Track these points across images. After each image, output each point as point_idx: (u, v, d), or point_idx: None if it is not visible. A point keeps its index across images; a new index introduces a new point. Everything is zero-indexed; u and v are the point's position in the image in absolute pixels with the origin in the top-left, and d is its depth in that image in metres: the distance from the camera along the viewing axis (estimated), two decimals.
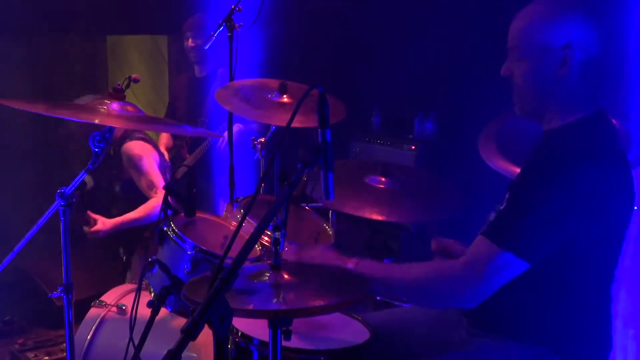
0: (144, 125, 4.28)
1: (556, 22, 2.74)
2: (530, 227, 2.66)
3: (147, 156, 4.98)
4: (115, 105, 3.63)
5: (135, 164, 4.97)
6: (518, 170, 3.00)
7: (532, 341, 2.81)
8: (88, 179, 5.34)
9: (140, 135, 5.09)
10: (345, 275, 2.86)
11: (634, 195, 2.83)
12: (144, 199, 4.98)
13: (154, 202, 4.86)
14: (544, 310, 2.82)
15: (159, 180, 4.95)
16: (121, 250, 5.31)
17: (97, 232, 4.72)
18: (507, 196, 2.85)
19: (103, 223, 4.75)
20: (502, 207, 2.81)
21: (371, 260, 2.96)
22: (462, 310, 3.07)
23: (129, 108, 3.69)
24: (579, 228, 2.67)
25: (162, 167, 5.10)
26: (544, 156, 2.82)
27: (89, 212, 4.67)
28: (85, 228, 4.75)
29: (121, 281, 5.19)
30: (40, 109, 3.43)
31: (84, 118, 3.46)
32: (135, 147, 5.01)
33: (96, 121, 3.39)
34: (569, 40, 2.72)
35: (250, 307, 2.50)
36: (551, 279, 2.78)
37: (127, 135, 5.11)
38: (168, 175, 5.18)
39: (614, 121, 4.04)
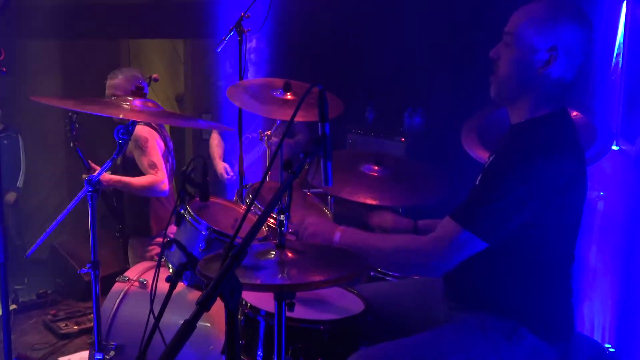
0: (162, 119, 4.27)
1: (550, 25, 2.72)
2: (492, 211, 2.67)
3: (152, 140, 4.97)
4: (137, 102, 3.62)
5: (141, 144, 4.95)
6: None
7: (504, 314, 2.81)
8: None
9: (149, 122, 5.07)
10: (343, 253, 2.86)
11: (586, 185, 2.83)
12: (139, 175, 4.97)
13: (151, 179, 4.85)
14: (512, 287, 2.83)
15: (160, 162, 4.92)
16: (118, 227, 5.30)
17: (90, 178, 4.69)
18: (476, 182, 2.86)
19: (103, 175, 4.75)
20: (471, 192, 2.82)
21: (355, 229, 2.95)
22: (443, 286, 3.08)
23: (150, 104, 3.68)
24: (537, 214, 2.67)
25: (164, 153, 5.08)
26: (509, 148, 2.80)
27: (89, 161, 4.64)
28: (84, 175, 4.73)
29: (125, 261, 5.21)
30: (69, 105, 3.42)
31: (109, 113, 3.45)
32: (143, 130, 5.01)
33: (120, 116, 3.38)
34: (556, 44, 2.71)
35: (258, 281, 2.49)
36: (517, 259, 2.79)
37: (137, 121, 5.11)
38: (170, 161, 5.17)
39: (579, 115, 4.05)
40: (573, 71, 2.77)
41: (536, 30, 2.74)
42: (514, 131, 2.89)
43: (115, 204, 5.24)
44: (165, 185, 4.87)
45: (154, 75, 5.17)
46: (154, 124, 5.07)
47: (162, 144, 5.08)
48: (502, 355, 2.76)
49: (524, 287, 2.82)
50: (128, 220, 5.27)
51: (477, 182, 2.85)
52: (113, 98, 4.57)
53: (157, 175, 4.87)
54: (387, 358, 2.75)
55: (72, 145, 3.94)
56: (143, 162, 4.94)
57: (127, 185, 4.85)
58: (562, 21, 2.73)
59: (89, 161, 4.64)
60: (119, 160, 5.11)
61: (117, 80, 5.13)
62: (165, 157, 5.06)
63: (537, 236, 2.76)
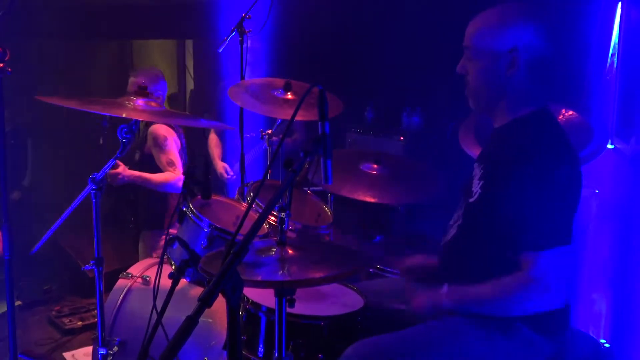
0: (165, 118, 4.28)
1: (504, 29, 2.75)
2: (546, 221, 2.66)
3: (170, 138, 5.04)
4: (140, 101, 3.62)
5: (160, 143, 5.01)
6: None
7: None
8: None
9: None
10: (341, 250, 2.86)
11: (580, 178, 2.82)
12: (155, 171, 5.00)
13: (169, 175, 4.90)
14: None
15: (177, 160, 4.98)
16: (131, 220, 5.32)
17: (117, 175, 4.74)
18: (475, 180, 2.87)
19: (124, 169, 4.79)
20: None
21: (455, 286, 2.86)
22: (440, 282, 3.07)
23: (152, 104, 3.68)
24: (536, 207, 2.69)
25: (180, 150, 5.12)
26: (507, 154, 2.79)
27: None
28: (109, 171, 4.78)
29: (135, 252, 5.24)
30: (74, 104, 3.42)
31: (112, 112, 3.45)
32: (162, 129, 5.07)
33: (123, 115, 3.38)
34: (515, 45, 2.73)
35: (259, 278, 2.50)
36: (510, 255, 2.75)
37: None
38: (184, 158, 5.20)
39: (575, 114, 4.06)
40: (540, 65, 2.78)
41: (491, 37, 2.77)
42: (500, 134, 2.91)
43: (132, 197, 5.27)
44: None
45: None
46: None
47: (178, 141, 5.13)
48: (497, 348, 2.77)
49: None
50: (143, 213, 5.32)
51: (477, 181, 2.85)
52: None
53: (174, 172, 4.92)
54: (383, 348, 2.75)
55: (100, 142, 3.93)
56: (162, 160, 4.98)
57: (146, 181, 4.90)
58: (513, 21, 2.76)
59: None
60: (136, 157, 5.15)
61: (139, 77, 5.18)
62: (180, 154, 5.10)
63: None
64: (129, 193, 5.27)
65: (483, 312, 2.78)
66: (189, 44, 8.28)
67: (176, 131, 5.16)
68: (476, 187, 2.90)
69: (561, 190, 2.68)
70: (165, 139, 5.03)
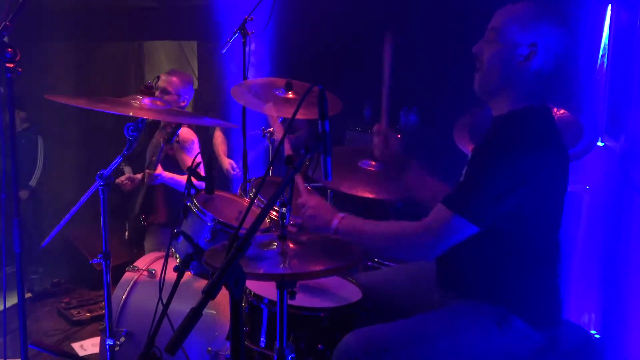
0: (170, 117, 4.27)
1: (533, 22, 2.77)
2: (482, 197, 2.69)
3: (196, 141, 5.15)
4: (146, 100, 3.62)
5: (187, 145, 5.10)
6: None
7: (495, 302, 2.82)
8: (128, 169, 5.44)
9: (189, 124, 5.21)
10: (340, 244, 2.86)
11: (567, 176, 2.86)
12: (173, 170, 5.03)
13: None
14: (502, 276, 2.84)
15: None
16: (141, 217, 5.32)
17: (156, 175, 4.85)
18: (464, 171, 2.88)
19: (162, 171, 4.89)
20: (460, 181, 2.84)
21: (353, 216, 2.96)
22: (436, 276, 3.08)
23: (158, 102, 3.68)
24: (523, 203, 2.71)
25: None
26: (495, 138, 2.83)
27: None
28: (149, 170, 4.83)
29: (139, 248, 5.25)
30: (82, 103, 3.42)
31: (119, 111, 3.44)
32: (189, 133, 5.17)
33: (130, 114, 3.38)
34: (536, 41, 2.75)
35: (261, 271, 2.50)
36: (506, 249, 2.81)
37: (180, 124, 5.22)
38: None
39: (567, 113, 4.05)
40: (550, 67, 2.80)
41: (519, 26, 2.78)
42: (497, 123, 2.91)
43: (151, 195, 5.29)
44: None
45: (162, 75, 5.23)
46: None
47: (198, 143, 5.18)
48: (492, 340, 2.77)
49: (513, 275, 2.83)
50: (162, 211, 5.31)
51: (464, 171, 2.88)
52: (158, 92, 5.01)
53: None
54: (378, 337, 2.76)
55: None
56: (188, 163, 4.99)
57: (177, 182, 5.01)
58: (543, 20, 2.78)
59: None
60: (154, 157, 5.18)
61: (173, 77, 5.22)
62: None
63: (523, 226, 2.78)
64: (152, 192, 5.28)
65: (372, 247, 2.88)
66: (194, 45, 8.28)
67: (195, 133, 5.22)
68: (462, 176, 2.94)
69: (517, 182, 2.68)
70: (193, 142, 5.13)
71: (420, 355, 2.72)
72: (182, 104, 5.32)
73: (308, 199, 3.08)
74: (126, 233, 5.51)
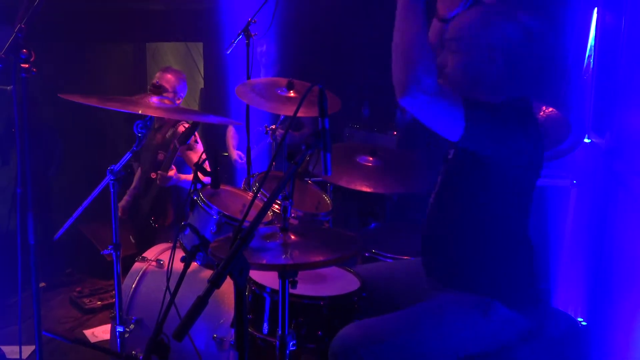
0: (177, 115, 4.27)
1: (486, 26, 2.75)
2: (488, 121, 2.67)
3: (198, 138, 5.06)
4: (154, 99, 3.62)
5: (192, 146, 5.02)
6: None
7: (478, 291, 2.83)
8: (136, 165, 5.44)
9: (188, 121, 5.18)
10: (340, 236, 2.86)
11: (542, 164, 2.85)
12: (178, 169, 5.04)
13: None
14: (482, 265, 2.86)
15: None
16: (151, 219, 5.33)
17: (169, 178, 4.88)
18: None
19: (175, 173, 4.92)
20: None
21: None
22: (423, 269, 3.09)
23: (166, 101, 3.68)
24: (499, 187, 2.75)
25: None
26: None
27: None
28: (162, 172, 4.83)
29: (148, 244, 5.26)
30: (93, 101, 3.42)
31: (129, 109, 3.44)
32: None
33: (139, 112, 3.38)
34: (495, 42, 2.73)
35: (264, 261, 2.50)
36: (483, 239, 2.83)
37: (180, 121, 5.20)
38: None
39: (555, 111, 4.05)
40: (518, 62, 2.78)
41: (476, 32, 2.76)
42: None
43: (163, 197, 5.30)
44: None
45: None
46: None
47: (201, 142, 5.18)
48: (478, 327, 2.78)
49: (490, 264, 2.85)
50: (172, 212, 5.31)
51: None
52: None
53: None
54: (374, 330, 2.76)
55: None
56: (194, 160, 5.01)
57: (189, 182, 4.95)
58: (495, 20, 2.75)
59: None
60: (160, 156, 5.16)
61: (168, 75, 5.21)
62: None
63: (499, 215, 2.81)
64: (165, 193, 5.29)
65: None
66: (200, 46, 8.27)
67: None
68: (450, 154, 2.98)
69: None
70: (197, 141, 5.04)
71: (412, 345, 2.73)
72: (178, 102, 5.32)
73: None
74: (130, 237, 5.53)
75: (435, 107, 2.65)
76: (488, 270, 2.85)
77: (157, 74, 5.29)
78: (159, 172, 4.93)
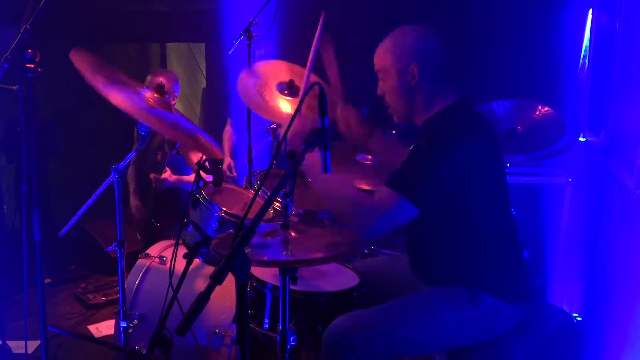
0: (172, 131, 4.27)
1: (398, 49, 2.95)
2: (420, 183, 2.74)
3: None
4: (155, 96, 3.62)
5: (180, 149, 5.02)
6: None
7: (465, 283, 2.88)
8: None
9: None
10: (339, 232, 2.87)
11: (501, 157, 2.93)
12: (175, 170, 5.03)
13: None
14: (468, 258, 2.90)
15: None
16: (153, 221, 5.33)
17: (164, 180, 4.90)
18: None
19: (170, 175, 4.92)
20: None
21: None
22: (410, 266, 3.13)
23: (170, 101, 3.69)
24: (463, 187, 2.78)
25: None
26: (424, 137, 2.91)
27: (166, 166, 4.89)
28: (156, 175, 4.81)
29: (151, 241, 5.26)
30: (99, 81, 3.41)
31: (129, 110, 3.43)
32: None
33: (140, 120, 3.37)
34: (410, 60, 2.91)
35: (265, 258, 2.51)
36: (464, 232, 2.87)
37: None
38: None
39: (550, 110, 4.06)
40: (441, 70, 2.93)
41: (393, 57, 2.96)
42: (422, 129, 3.00)
43: (162, 199, 5.29)
44: None
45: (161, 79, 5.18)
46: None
47: None
48: (466, 316, 2.82)
49: (475, 257, 2.89)
50: (173, 210, 5.31)
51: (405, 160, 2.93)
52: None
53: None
54: (364, 319, 2.80)
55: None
56: (194, 160, 4.98)
57: (185, 183, 5.06)
58: (405, 41, 2.95)
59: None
60: (159, 157, 5.16)
61: (158, 77, 5.20)
62: None
63: (474, 209, 2.85)
64: (160, 195, 5.29)
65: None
66: (202, 47, 8.27)
67: None
68: None
69: (456, 168, 2.75)
70: None
71: (401, 332, 2.79)
72: (173, 102, 5.30)
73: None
74: (137, 234, 5.53)
75: (395, 223, 2.82)
76: (473, 264, 2.90)
77: (148, 78, 5.24)
78: (152, 175, 4.92)
